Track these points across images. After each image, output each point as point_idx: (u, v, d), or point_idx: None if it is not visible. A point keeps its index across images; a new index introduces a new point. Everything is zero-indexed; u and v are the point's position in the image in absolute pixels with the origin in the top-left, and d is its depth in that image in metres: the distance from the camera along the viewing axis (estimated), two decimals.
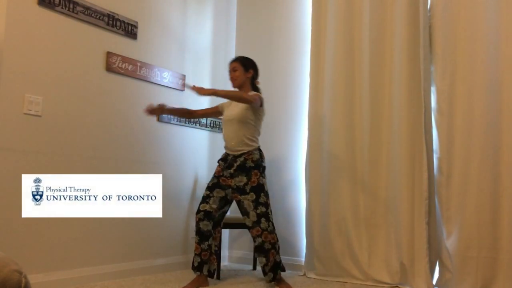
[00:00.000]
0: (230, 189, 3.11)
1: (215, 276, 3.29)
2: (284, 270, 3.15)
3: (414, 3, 3.31)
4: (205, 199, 3.14)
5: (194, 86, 3.01)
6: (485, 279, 2.98)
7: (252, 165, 3.07)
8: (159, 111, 3.23)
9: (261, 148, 3.21)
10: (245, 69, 3.22)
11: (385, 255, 3.34)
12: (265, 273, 3.08)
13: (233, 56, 4.33)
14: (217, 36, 4.20)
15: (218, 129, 4.11)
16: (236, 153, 3.12)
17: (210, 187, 3.17)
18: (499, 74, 3.05)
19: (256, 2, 4.33)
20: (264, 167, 3.15)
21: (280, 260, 3.10)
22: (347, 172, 3.54)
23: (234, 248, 4.11)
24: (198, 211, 3.13)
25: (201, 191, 3.93)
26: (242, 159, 3.08)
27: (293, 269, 3.63)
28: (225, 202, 3.16)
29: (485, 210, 3.01)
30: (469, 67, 3.14)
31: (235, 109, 3.16)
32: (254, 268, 3.82)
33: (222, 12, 4.27)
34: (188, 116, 3.53)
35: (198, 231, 3.10)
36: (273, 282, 3.08)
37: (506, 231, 2.95)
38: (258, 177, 3.06)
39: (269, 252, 3.02)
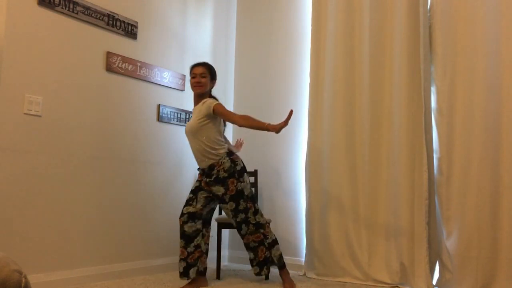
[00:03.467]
0: (212, 194, 3.08)
1: (216, 276, 3.29)
2: (284, 266, 3.10)
3: (414, 3, 3.31)
4: (188, 202, 3.09)
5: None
6: (485, 279, 2.98)
7: (226, 175, 2.99)
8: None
9: (230, 151, 3.09)
10: (211, 77, 3.14)
11: (385, 255, 3.34)
12: (252, 266, 3.11)
13: (233, 56, 4.34)
14: (217, 36, 4.20)
15: None
16: (206, 167, 3.05)
17: (194, 190, 3.12)
18: (499, 74, 3.05)
19: (256, 2, 4.33)
20: (240, 171, 3.03)
21: (271, 256, 3.05)
22: (347, 172, 3.54)
23: (234, 248, 4.12)
24: (182, 214, 3.07)
25: None
26: (215, 171, 3.01)
27: (293, 269, 3.63)
28: (210, 199, 3.10)
29: (485, 210, 3.01)
30: (469, 67, 3.14)
31: (190, 122, 3.09)
32: None
33: (222, 12, 4.27)
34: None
35: (183, 234, 3.04)
36: (261, 277, 3.10)
37: (506, 231, 2.95)
38: (235, 184, 3.00)
39: (256, 248, 3.06)
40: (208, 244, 3.14)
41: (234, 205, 3.00)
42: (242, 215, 3.01)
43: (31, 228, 2.72)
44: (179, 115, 3.70)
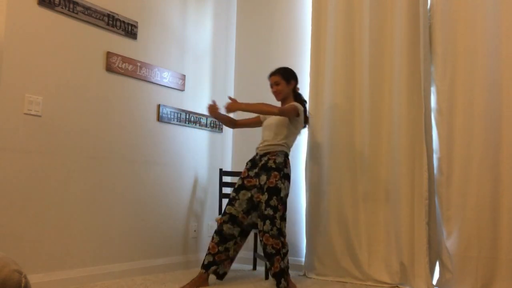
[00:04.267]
0: (256, 189, 3.11)
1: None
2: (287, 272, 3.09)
3: (414, 3, 3.32)
4: (231, 201, 3.14)
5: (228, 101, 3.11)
6: (485, 279, 2.98)
7: (274, 166, 3.05)
8: (215, 109, 3.32)
9: (289, 157, 3.19)
10: (287, 81, 3.24)
11: (385, 255, 3.34)
12: (269, 276, 3.08)
13: (233, 56, 4.35)
14: (217, 36, 4.20)
15: (218, 129, 4.11)
16: (262, 151, 3.15)
17: (236, 189, 3.17)
18: (499, 74, 3.05)
19: (256, 2, 4.33)
20: (286, 174, 3.09)
21: (285, 267, 3.03)
22: (347, 172, 3.54)
23: None
24: (224, 213, 3.12)
25: (201, 191, 3.94)
26: (266, 158, 3.10)
27: (293, 269, 3.62)
28: (251, 205, 3.12)
29: (485, 210, 3.01)
30: (469, 67, 3.14)
31: (272, 119, 3.20)
32: (254, 268, 3.82)
33: (222, 12, 4.27)
34: (230, 125, 3.57)
35: (219, 232, 3.08)
36: (262, 277, 3.09)
37: (506, 231, 2.95)
38: (277, 179, 3.02)
39: (273, 257, 2.98)
40: (237, 252, 3.18)
41: (267, 197, 3.00)
42: (271, 211, 2.99)
43: (31, 228, 2.72)
44: (179, 115, 3.70)
